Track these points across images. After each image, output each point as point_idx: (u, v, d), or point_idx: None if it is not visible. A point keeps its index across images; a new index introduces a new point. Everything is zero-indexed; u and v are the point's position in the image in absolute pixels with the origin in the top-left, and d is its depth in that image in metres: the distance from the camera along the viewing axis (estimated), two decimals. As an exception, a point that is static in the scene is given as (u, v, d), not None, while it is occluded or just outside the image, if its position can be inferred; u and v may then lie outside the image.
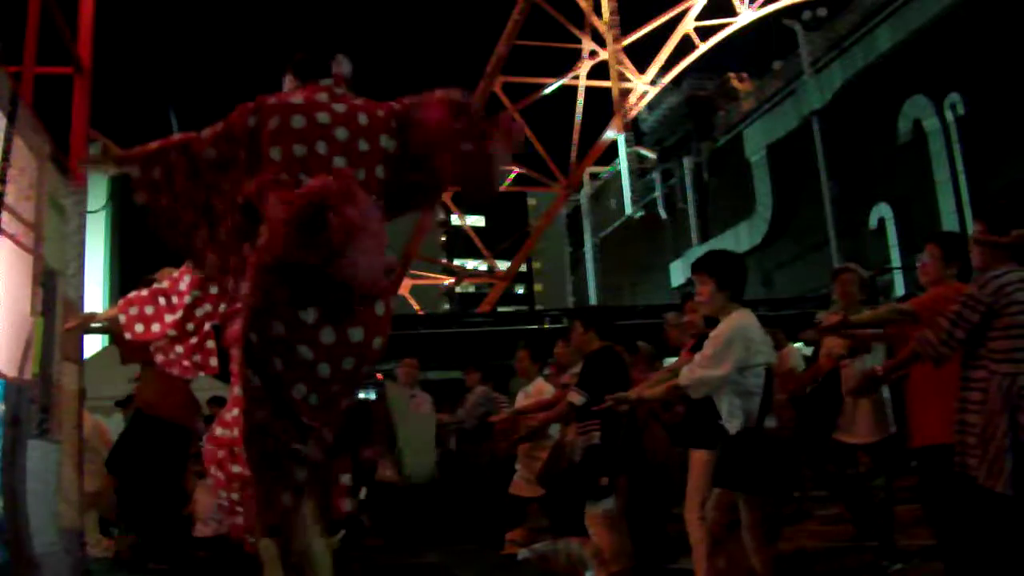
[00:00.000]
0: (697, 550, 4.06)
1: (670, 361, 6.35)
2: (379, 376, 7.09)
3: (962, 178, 18.01)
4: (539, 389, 6.11)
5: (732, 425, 3.56)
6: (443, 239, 56.07)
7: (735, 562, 3.86)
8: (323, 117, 2.45)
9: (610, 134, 33.50)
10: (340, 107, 2.51)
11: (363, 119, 2.49)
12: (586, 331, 4.75)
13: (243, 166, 2.42)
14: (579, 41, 34.32)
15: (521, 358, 6.25)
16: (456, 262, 45.35)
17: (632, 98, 33.33)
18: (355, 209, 2.23)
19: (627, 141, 33.41)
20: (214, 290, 3.36)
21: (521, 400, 6.21)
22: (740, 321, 3.55)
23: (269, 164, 2.38)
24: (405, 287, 34.60)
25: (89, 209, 4.61)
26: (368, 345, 2.39)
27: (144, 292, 3.59)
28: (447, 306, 49.98)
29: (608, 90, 33.79)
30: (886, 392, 4.44)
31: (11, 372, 3.26)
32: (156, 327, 3.49)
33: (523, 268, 45.04)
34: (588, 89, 34.53)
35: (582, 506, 4.62)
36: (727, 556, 3.87)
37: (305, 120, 2.43)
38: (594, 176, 37.19)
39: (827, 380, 4.67)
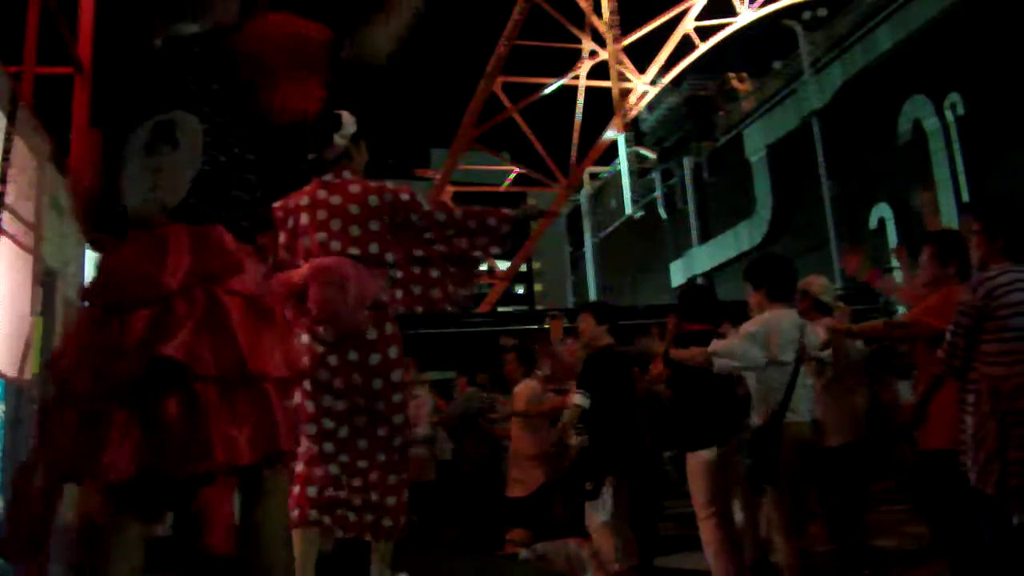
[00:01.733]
0: (708, 550, 4.08)
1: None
2: None
3: (962, 178, 17.99)
4: (523, 390, 6.15)
5: (756, 418, 3.67)
6: (443, 239, 55.98)
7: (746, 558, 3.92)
8: (322, 213, 3.14)
9: (610, 134, 33.48)
10: (336, 199, 3.14)
11: (354, 209, 3.13)
12: (599, 324, 4.72)
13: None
14: (579, 41, 34.30)
15: (509, 361, 6.30)
16: (456, 262, 45.25)
17: (632, 98, 33.31)
18: (330, 286, 2.98)
19: (627, 141, 33.37)
20: None
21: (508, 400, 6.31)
22: (769, 316, 3.77)
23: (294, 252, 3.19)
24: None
25: (89, 209, 4.61)
26: (364, 363, 3.07)
27: None
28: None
29: (608, 90, 33.76)
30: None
31: (11, 372, 3.26)
32: None
33: (523, 268, 45.04)
34: (588, 89, 34.52)
35: (580, 507, 4.64)
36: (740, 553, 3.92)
37: (309, 218, 3.14)
38: (594, 176, 37.16)
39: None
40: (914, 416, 3.54)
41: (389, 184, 3.28)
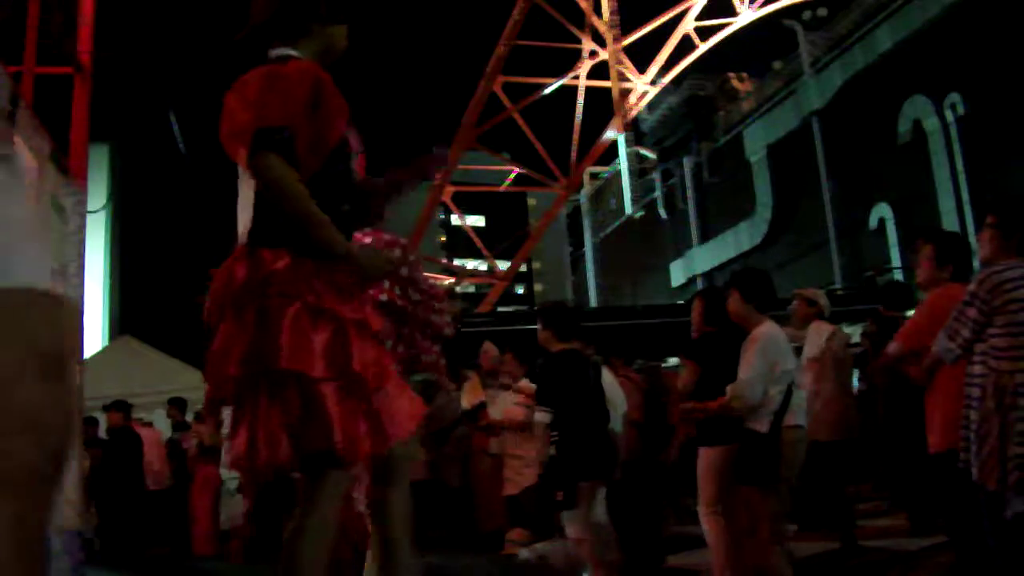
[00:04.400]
0: (711, 544, 4.09)
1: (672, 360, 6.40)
2: None
3: (962, 178, 18.01)
4: (514, 412, 6.13)
5: (760, 424, 3.74)
6: (443, 239, 56.08)
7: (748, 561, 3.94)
8: None
9: (610, 134, 33.47)
10: None
11: None
12: (544, 329, 4.45)
13: None
14: (579, 41, 34.29)
15: (507, 361, 6.27)
16: (456, 262, 45.36)
17: (632, 98, 33.30)
18: None
19: (627, 141, 33.39)
20: None
21: (508, 399, 6.28)
22: (764, 331, 3.87)
23: None
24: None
25: (89, 209, 4.62)
26: None
27: None
28: (447, 306, 49.79)
29: (608, 90, 33.75)
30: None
31: (11, 372, 3.26)
32: None
33: (523, 268, 45.05)
34: (588, 89, 34.49)
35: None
36: (741, 555, 3.95)
37: None
38: (594, 176, 37.17)
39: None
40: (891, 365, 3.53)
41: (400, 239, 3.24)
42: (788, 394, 3.81)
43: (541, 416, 4.35)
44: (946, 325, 3.08)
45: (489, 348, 6.45)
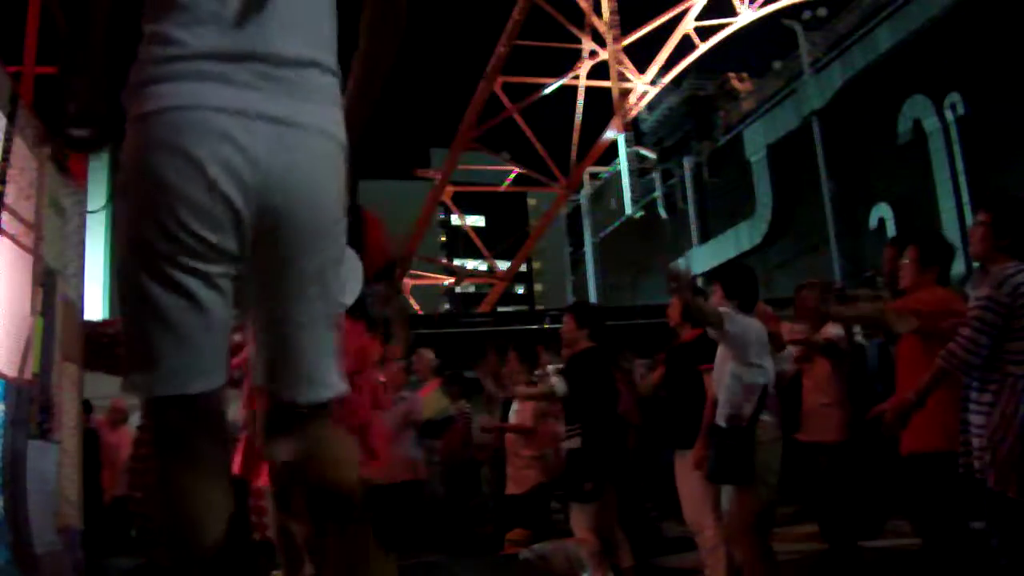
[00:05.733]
0: (710, 550, 4.07)
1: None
2: None
3: (962, 178, 17.99)
4: (525, 410, 6.14)
5: (721, 420, 3.70)
6: (443, 239, 56.05)
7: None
8: None
9: (610, 134, 33.46)
10: None
11: None
12: (579, 328, 4.66)
13: None
14: (579, 41, 34.28)
15: (510, 360, 6.30)
16: (456, 262, 45.35)
17: (632, 98, 33.29)
18: None
19: (627, 141, 33.37)
20: None
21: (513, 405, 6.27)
22: (749, 324, 3.86)
23: None
24: (405, 287, 34.61)
25: (89, 209, 4.62)
26: None
27: None
28: (447, 306, 49.97)
29: (608, 90, 33.75)
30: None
31: (11, 372, 3.26)
32: None
33: (523, 268, 45.03)
34: (588, 89, 34.50)
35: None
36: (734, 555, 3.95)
37: None
38: (594, 176, 37.16)
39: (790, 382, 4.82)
40: (906, 413, 3.32)
41: None
42: (764, 393, 3.76)
43: (557, 385, 4.46)
44: (962, 338, 2.94)
45: (424, 353, 6.51)
